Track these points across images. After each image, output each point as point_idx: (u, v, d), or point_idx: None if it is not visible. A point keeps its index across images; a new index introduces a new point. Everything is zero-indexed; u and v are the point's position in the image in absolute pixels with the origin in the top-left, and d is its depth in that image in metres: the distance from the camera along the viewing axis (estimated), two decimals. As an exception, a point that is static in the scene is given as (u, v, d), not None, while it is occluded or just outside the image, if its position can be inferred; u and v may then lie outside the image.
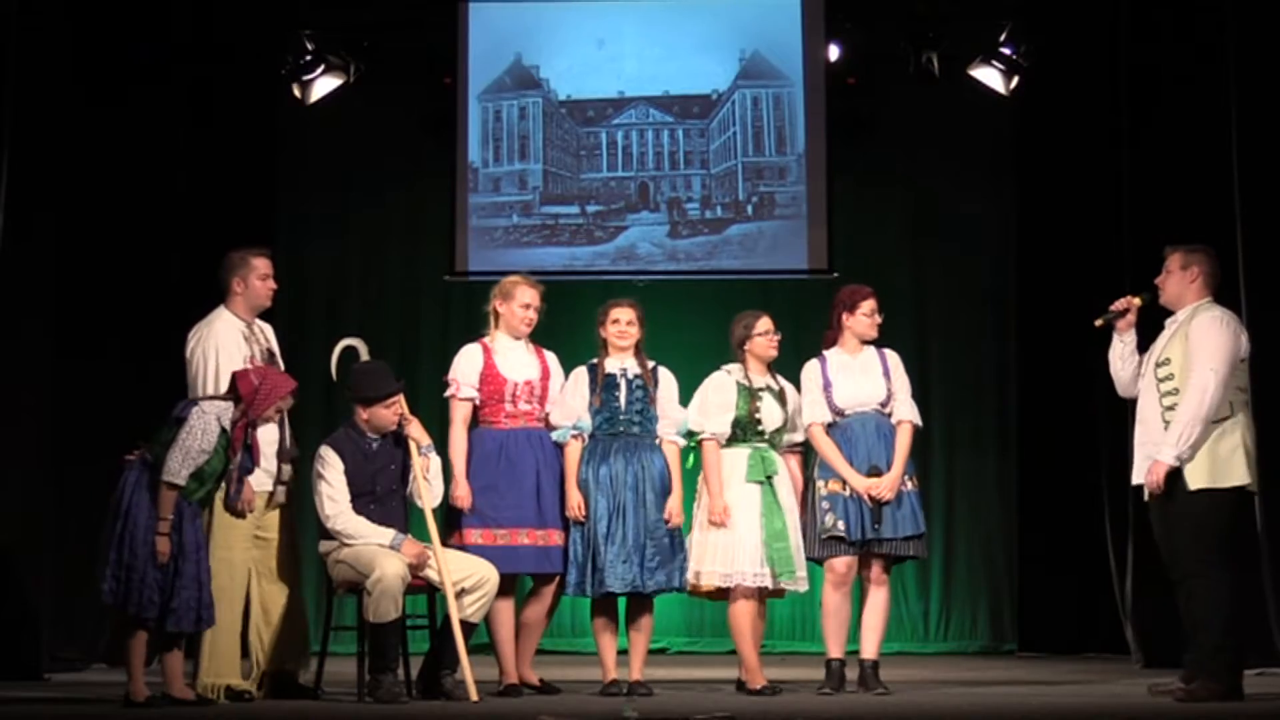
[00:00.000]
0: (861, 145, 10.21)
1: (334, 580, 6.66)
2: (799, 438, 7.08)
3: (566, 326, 7.84)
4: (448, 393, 6.97)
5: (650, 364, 7.02)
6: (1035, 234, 10.13)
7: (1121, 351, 6.75)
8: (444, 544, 6.67)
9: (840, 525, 6.76)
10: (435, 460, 6.72)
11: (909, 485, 6.85)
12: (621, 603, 6.88)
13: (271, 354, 6.76)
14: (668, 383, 7.04)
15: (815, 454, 6.98)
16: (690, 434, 7.01)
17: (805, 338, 7.83)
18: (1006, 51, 9.84)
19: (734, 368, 7.06)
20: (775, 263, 10.01)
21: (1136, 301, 6.74)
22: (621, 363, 6.99)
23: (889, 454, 6.84)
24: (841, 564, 6.81)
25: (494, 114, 10.12)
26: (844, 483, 6.81)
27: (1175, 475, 6.40)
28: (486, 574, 6.60)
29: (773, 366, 7.12)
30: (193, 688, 6.35)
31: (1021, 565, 10.12)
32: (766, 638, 7.75)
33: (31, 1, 7.90)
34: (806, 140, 9.99)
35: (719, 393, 6.99)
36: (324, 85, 10.02)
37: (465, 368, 6.94)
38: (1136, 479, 6.63)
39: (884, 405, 6.93)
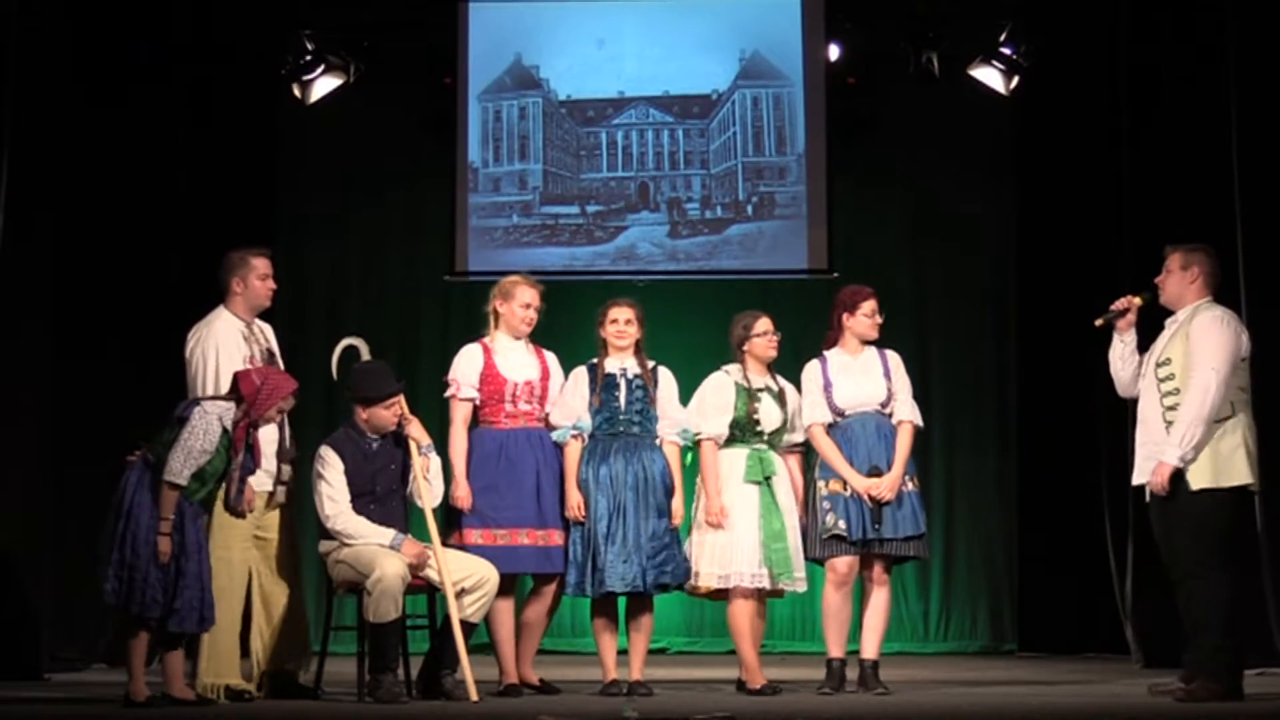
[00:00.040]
0: (861, 145, 10.20)
1: (334, 580, 6.66)
2: (799, 438, 7.07)
3: (566, 326, 7.84)
4: (448, 393, 6.97)
5: (650, 364, 7.02)
6: (1035, 234, 10.13)
7: (1122, 351, 6.75)
8: (444, 544, 6.67)
9: (841, 524, 6.77)
10: (435, 460, 6.72)
11: (910, 486, 6.85)
12: (621, 603, 6.88)
13: (271, 354, 6.76)
14: (668, 383, 7.04)
15: (816, 454, 6.98)
16: (689, 434, 7.01)
17: (805, 338, 7.83)
18: (1006, 51, 9.84)
19: (733, 368, 7.06)
20: (775, 263, 10.01)
21: (1137, 301, 6.74)
22: (621, 363, 6.99)
23: (889, 454, 6.84)
24: (843, 564, 6.81)
25: (494, 114, 10.12)
26: (844, 483, 6.81)
27: (1177, 475, 6.39)
28: (486, 574, 6.60)
29: (773, 367, 7.12)
30: (192, 688, 6.35)
31: (1021, 565, 10.12)
32: (766, 638, 7.75)
33: (31, 1, 7.91)
34: (806, 140, 9.99)
35: (717, 393, 7.00)
36: (324, 85, 10.01)
37: (465, 368, 6.94)
38: (1137, 479, 6.63)
39: (884, 406, 6.93)
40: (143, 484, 6.14)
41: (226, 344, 6.60)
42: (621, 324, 6.99)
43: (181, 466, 6.09)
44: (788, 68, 10.04)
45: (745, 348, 7.06)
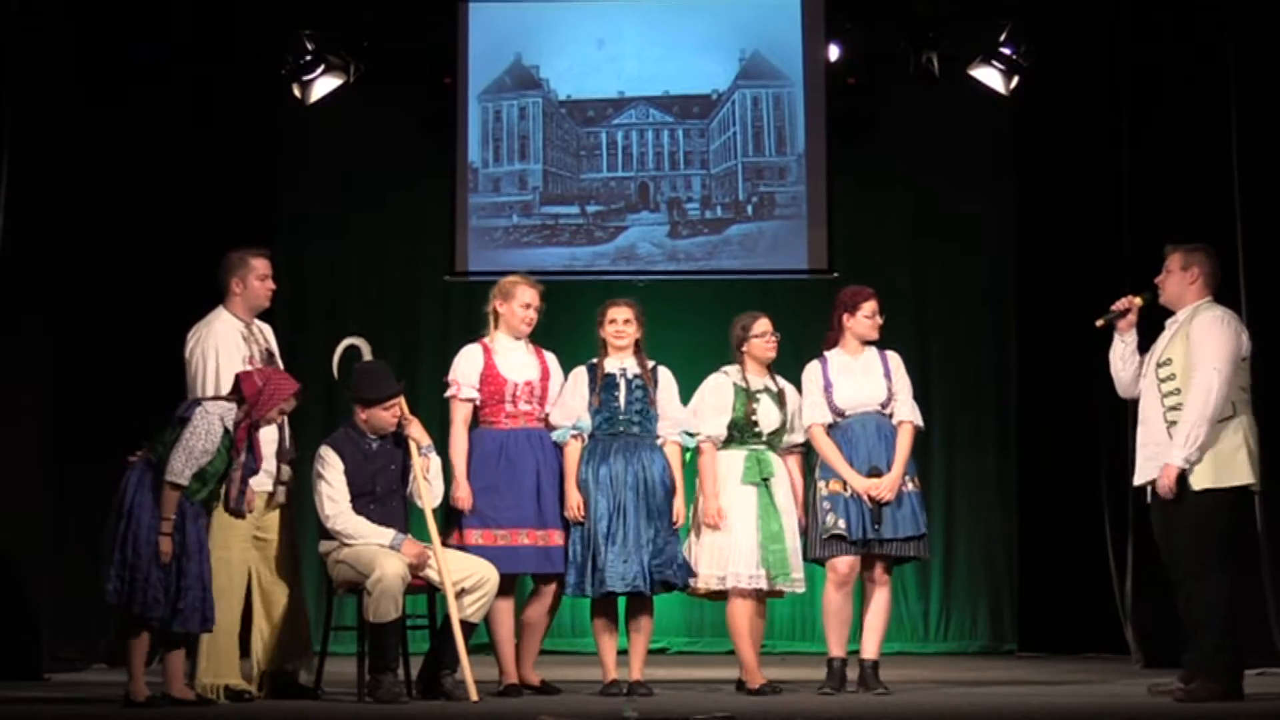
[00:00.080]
0: (861, 145, 10.20)
1: (334, 580, 6.66)
2: (799, 439, 7.07)
3: (566, 327, 7.84)
4: (448, 393, 6.97)
5: (650, 363, 7.02)
6: (1035, 234, 10.12)
7: (1123, 352, 6.74)
8: (444, 544, 6.67)
9: (841, 524, 6.76)
10: (435, 460, 6.72)
11: (910, 486, 6.85)
12: (621, 603, 6.88)
13: (271, 354, 6.76)
14: (667, 382, 7.03)
15: (816, 455, 6.98)
16: (690, 435, 7.01)
17: (805, 338, 7.83)
18: (1006, 51, 9.83)
19: (731, 369, 7.07)
20: (775, 263, 10.01)
21: (1137, 301, 6.74)
22: (621, 362, 6.99)
23: (889, 455, 6.84)
24: (843, 564, 6.81)
25: (494, 114, 10.12)
26: (845, 483, 6.81)
27: (1179, 476, 6.39)
28: (486, 574, 6.60)
29: (772, 367, 7.12)
30: (192, 688, 6.35)
31: (1021, 565, 10.11)
32: (766, 638, 7.75)
33: (31, 1, 7.91)
34: (806, 140, 9.99)
35: (715, 395, 7.00)
36: (324, 85, 10.01)
37: (466, 368, 6.94)
38: (1138, 480, 6.63)
39: (885, 406, 6.93)
40: (144, 484, 6.14)
41: (226, 344, 6.60)
42: (620, 324, 6.99)
43: (183, 466, 6.09)
44: (788, 68, 10.04)
45: (744, 349, 7.07)
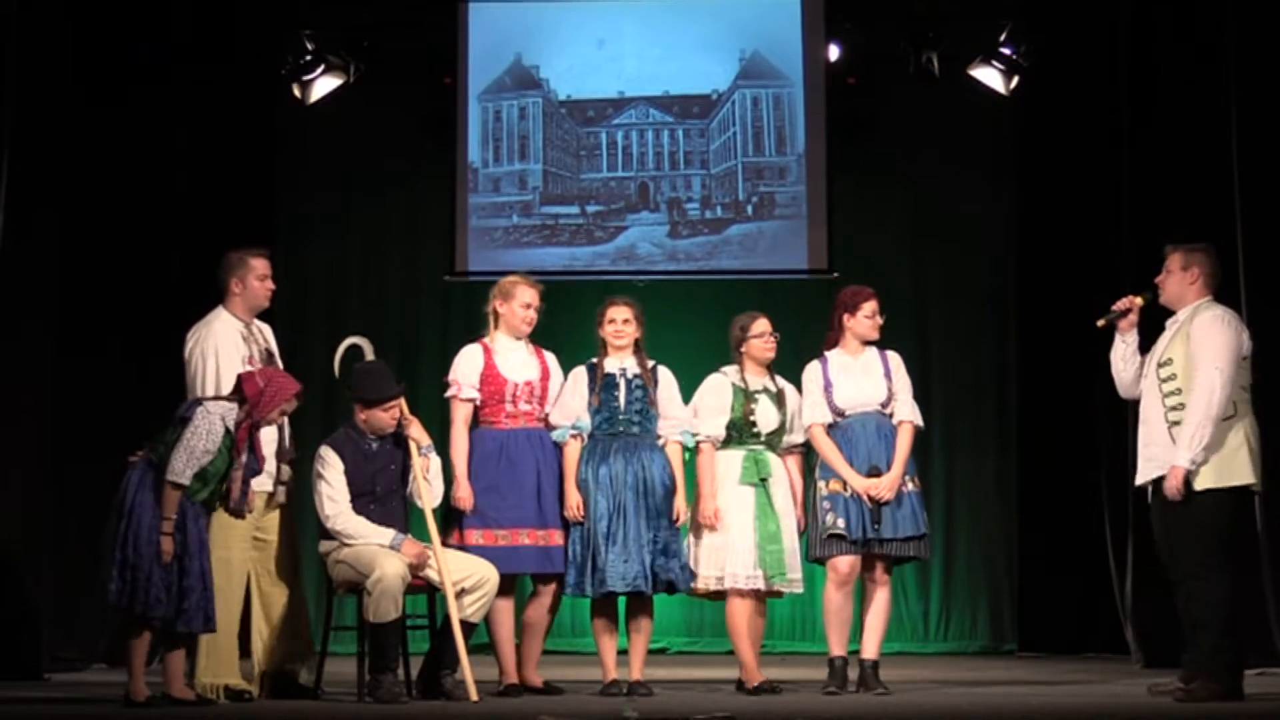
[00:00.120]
0: (861, 145, 10.20)
1: (334, 580, 6.66)
2: (798, 439, 7.07)
3: (566, 327, 7.84)
4: (448, 393, 6.96)
5: (650, 363, 7.02)
6: (1035, 234, 10.12)
7: (1124, 352, 6.74)
8: (444, 544, 6.67)
9: (840, 523, 6.76)
10: (435, 460, 6.72)
11: (910, 486, 6.85)
12: (621, 603, 6.88)
13: (270, 354, 6.76)
14: (668, 382, 7.03)
15: (816, 455, 6.98)
16: (692, 434, 7.01)
17: (805, 338, 7.83)
18: (1006, 51, 9.83)
19: (730, 370, 7.07)
20: (775, 263, 10.01)
21: (1139, 301, 6.74)
22: (621, 362, 6.98)
23: (889, 454, 6.84)
24: (844, 563, 6.80)
25: (494, 114, 10.12)
26: (844, 483, 6.81)
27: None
28: (486, 574, 6.60)
29: (772, 367, 7.12)
30: (192, 688, 6.35)
31: (1021, 565, 10.11)
32: (766, 637, 7.75)
33: (31, 1, 7.91)
34: (806, 140, 9.99)
35: (713, 395, 7.00)
36: (324, 85, 10.01)
37: (466, 368, 6.94)
38: (1140, 480, 6.63)
39: (885, 406, 6.93)
40: (144, 484, 6.14)
41: (225, 344, 6.60)
42: (619, 323, 6.99)
43: (184, 466, 6.09)
44: (788, 68, 10.04)
45: (742, 349, 7.07)
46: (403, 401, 6.70)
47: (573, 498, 6.81)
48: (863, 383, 6.94)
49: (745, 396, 6.97)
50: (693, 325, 9.42)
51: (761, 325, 7.06)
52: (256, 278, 6.74)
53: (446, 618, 6.51)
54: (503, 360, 6.94)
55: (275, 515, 6.67)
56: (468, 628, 6.53)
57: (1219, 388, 6.32)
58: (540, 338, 7.12)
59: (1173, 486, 6.34)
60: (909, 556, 6.93)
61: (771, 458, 6.99)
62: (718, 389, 7.01)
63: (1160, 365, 6.54)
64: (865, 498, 6.77)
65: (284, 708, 6.42)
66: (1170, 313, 6.64)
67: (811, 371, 7.01)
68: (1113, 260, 9.05)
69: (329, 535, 6.60)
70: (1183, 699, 6.29)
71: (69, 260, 8.28)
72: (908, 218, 10.46)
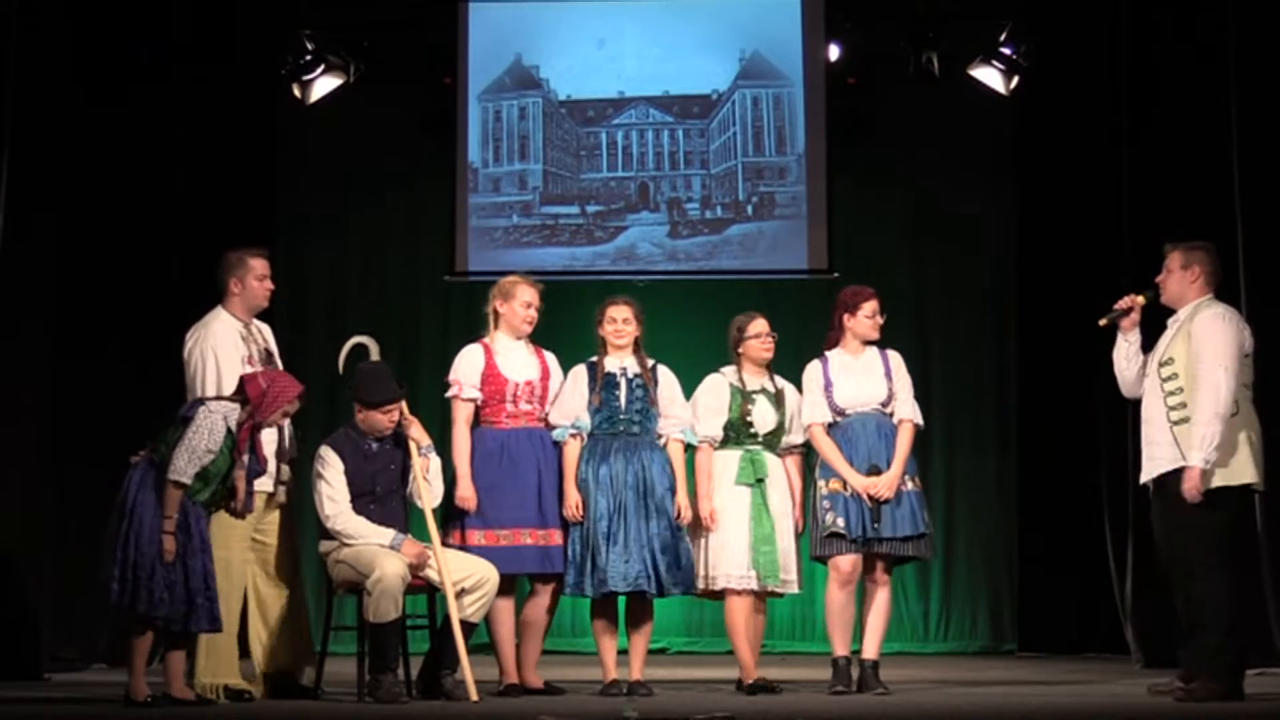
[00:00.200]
0: (861, 145, 10.20)
1: (334, 580, 6.66)
2: (798, 439, 7.07)
3: (567, 326, 7.84)
4: (450, 393, 6.96)
5: (650, 362, 7.02)
6: (1035, 234, 10.12)
7: (1126, 351, 6.74)
8: (445, 544, 6.67)
9: (840, 522, 6.76)
10: (435, 460, 6.72)
11: (910, 485, 6.85)
12: (621, 603, 6.88)
13: (269, 354, 6.76)
14: (668, 381, 7.03)
15: (816, 454, 6.98)
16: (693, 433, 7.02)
17: (805, 338, 7.83)
18: (1006, 51, 9.83)
19: (728, 370, 7.07)
20: (775, 263, 10.00)
21: (1140, 300, 6.73)
22: (621, 361, 6.98)
23: (889, 453, 6.84)
24: (846, 562, 6.80)
25: (494, 114, 10.12)
26: (844, 482, 6.81)
27: (1180, 476, 6.37)
28: (486, 574, 6.60)
29: (772, 368, 7.12)
30: (192, 688, 6.35)
31: (1021, 565, 10.11)
32: (766, 637, 7.74)
33: (31, 1, 7.91)
34: (806, 140, 9.99)
35: (711, 395, 7.01)
36: (324, 85, 10.01)
37: (467, 368, 6.94)
38: (1144, 478, 6.62)
39: (885, 405, 6.93)
40: (145, 483, 6.14)
41: (225, 344, 6.60)
42: (620, 323, 6.99)
43: (186, 465, 6.09)
44: (788, 68, 10.03)
45: (740, 349, 7.07)
46: (403, 402, 6.70)
47: (572, 497, 6.81)
48: (863, 382, 6.94)
49: (743, 397, 6.97)
50: (693, 325, 9.41)
51: (759, 325, 7.06)
52: (255, 278, 6.74)
53: (446, 618, 6.51)
54: (503, 360, 6.94)
55: (275, 515, 6.67)
56: (468, 628, 6.53)
57: (1224, 385, 6.31)
58: (540, 338, 7.13)
59: (1191, 488, 6.31)
60: (909, 556, 6.93)
61: (769, 458, 6.99)
62: (715, 389, 7.01)
63: (1161, 364, 6.54)
64: (865, 497, 6.77)
65: (284, 708, 6.42)
66: (1171, 312, 6.64)
67: (812, 371, 7.01)
68: (1113, 260, 9.05)
69: (329, 535, 6.60)
70: (1183, 699, 6.30)
71: (69, 260, 8.28)
72: (908, 218, 10.46)
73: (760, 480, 6.91)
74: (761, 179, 10.05)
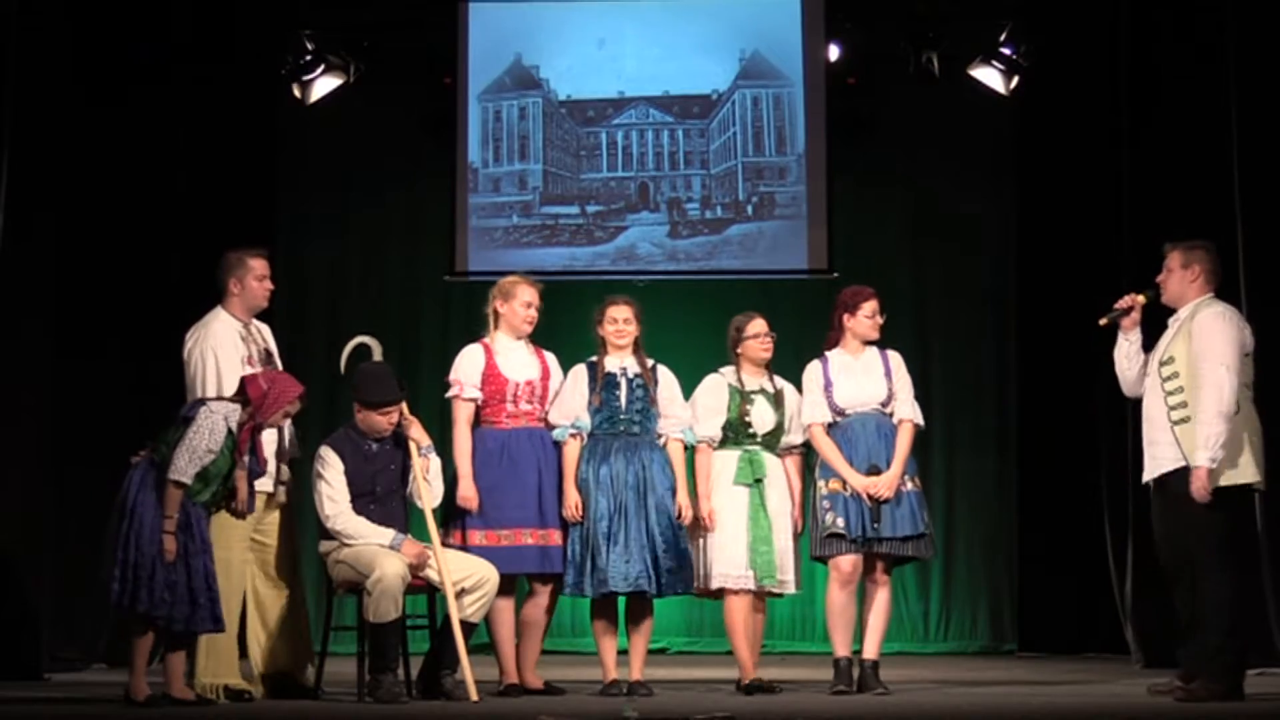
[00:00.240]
0: (861, 145, 10.20)
1: (334, 580, 6.66)
2: (797, 439, 7.07)
3: (567, 327, 7.83)
4: (450, 393, 6.96)
5: (650, 362, 7.02)
6: (1035, 234, 10.12)
7: (1127, 350, 6.74)
8: (447, 544, 6.67)
9: (839, 522, 6.76)
10: (435, 461, 6.72)
11: (909, 485, 6.85)
12: (621, 603, 6.88)
13: (269, 354, 6.77)
14: (668, 381, 7.03)
15: (816, 454, 6.98)
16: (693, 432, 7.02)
17: (805, 338, 7.83)
18: (1006, 51, 9.83)
19: (727, 370, 7.07)
20: (775, 263, 10.00)
21: (1140, 299, 6.73)
22: (621, 361, 6.98)
23: (889, 453, 6.84)
24: (846, 562, 6.80)
25: (494, 114, 10.12)
26: (844, 482, 6.81)
27: (1182, 475, 6.38)
28: (486, 574, 6.60)
29: (771, 368, 7.12)
30: (192, 688, 6.35)
31: (1021, 565, 10.11)
32: (766, 637, 7.75)
33: (31, 1, 7.91)
34: (806, 140, 9.99)
35: (709, 396, 7.01)
36: (324, 85, 10.01)
37: (468, 368, 6.94)
38: (1146, 477, 6.62)
39: (885, 405, 6.93)
40: (146, 483, 6.14)
41: (225, 345, 6.60)
42: (621, 323, 6.98)
43: (186, 464, 6.09)
44: (788, 68, 10.03)
45: (738, 350, 7.07)
46: (403, 403, 6.69)
47: (571, 497, 6.81)
48: (863, 382, 6.94)
49: (741, 397, 6.97)
50: (693, 325, 9.41)
51: (757, 325, 7.06)
52: (255, 278, 6.74)
53: (446, 618, 6.51)
54: (504, 360, 6.94)
55: (275, 518, 6.67)
56: (468, 628, 6.53)
57: (1227, 384, 6.31)
58: (540, 338, 7.13)
59: (1199, 489, 6.30)
60: (909, 556, 6.93)
61: (767, 458, 6.99)
62: (714, 390, 7.01)
63: (1162, 364, 6.53)
64: (865, 497, 6.77)
65: (284, 708, 6.42)
66: (1172, 311, 6.64)
67: (812, 371, 7.01)
68: (1113, 260, 9.05)
69: (329, 535, 6.60)
70: (1183, 699, 6.30)
71: (69, 260, 8.28)
72: (908, 218, 10.46)
73: (758, 480, 6.91)
74: (761, 179, 10.05)
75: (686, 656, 9.68)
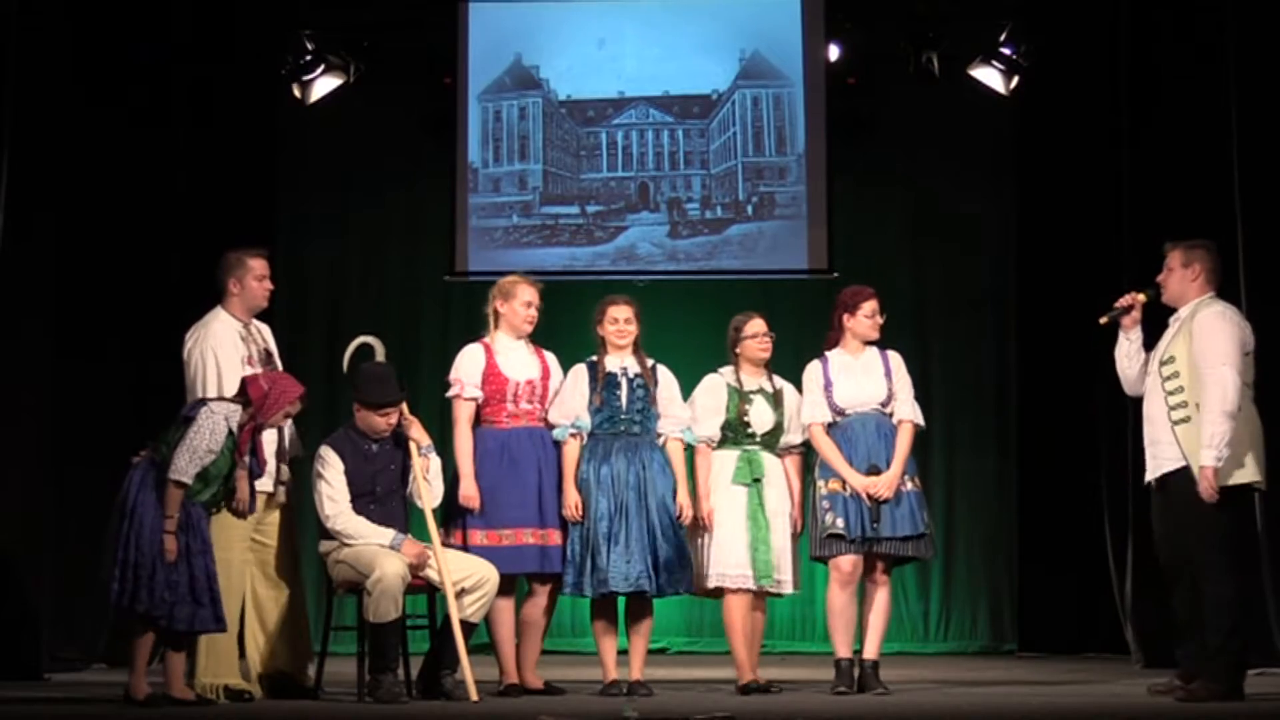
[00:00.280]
0: (861, 145, 10.20)
1: (334, 580, 6.66)
2: (797, 439, 7.07)
3: (567, 327, 7.83)
4: (451, 393, 6.96)
5: (650, 362, 7.02)
6: (1035, 234, 10.12)
7: (1128, 349, 6.74)
8: (448, 544, 6.67)
9: (839, 523, 6.76)
10: (435, 461, 6.72)
11: (909, 485, 6.85)
12: (621, 603, 6.88)
13: (269, 354, 6.77)
14: (668, 381, 7.03)
15: (816, 454, 6.98)
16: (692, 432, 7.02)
17: (805, 338, 7.83)
18: (1006, 51, 9.83)
19: (726, 370, 7.07)
20: (775, 263, 10.00)
21: (1141, 298, 6.73)
22: (621, 361, 6.98)
23: (889, 453, 6.84)
24: (846, 562, 6.80)
25: (494, 114, 10.12)
26: (843, 482, 6.81)
27: (1186, 475, 6.37)
28: (486, 574, 6.60)
29: (771, 367, 7.12)
30: (192, 688, 6.35)
31: (1021, 565, 10.11)
32: (766, 637, 7.75)
33: (31, 1, 7.91)
34: (806, 140, 9.99)
35: (708, 396, 7.01)
36: (324, 85, 10.01)
37: (468, 367, 6.94)
38: (1149, 477, 6.61)
39: (885, 405, 6.93)
40: (146, 483, 6.14)
41: (225, 345, 6.60)
42: (622, 323, 6.98)
43: (187, 464, 6.09)
44: (788, 68, 10.03)
45: (737, 349, 7.07)
46: (403, 406, 6.69)
47: (571, 497, 6.81)
48: (863, 382, 6.94)
49: (740, 397, 6.97)
50: (693, 325, 9.41)
51: (756, 325, 7.05)
52: (254, 278, 6.74)
53: (446, 618, 6.51)
54: (504, 360, 6.94)
55: (275, 518, 6.67)
56: (468, 628, 6.53)
57: (1230, 383, 6.30)
58: (540, 338, 7.13)
59: (1207, 488, 6.30)
60: (909, 556, 6.93)
61: (766, 458, 6.98)
62: (712, 390, 7.02)
63: (1163, 364, 6.53)
64: (864, 496, 6.77)
65: (284, 708, 6.42)
66: (1173, 311, 6.64)
67: (812, 371, 7.01)
68: (1113, 260, 9.05)
69: (329, 535, 6.60)
70: (1183, 699, 6.30)
71: (69, 260, 8.28)
72: (908, 218, 10.46)
73: (757, 480, 6.91)
74: (761, 179, 10.05)
75: (686, 656, 9.68)
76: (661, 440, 6.96)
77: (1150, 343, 6.71)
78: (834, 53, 10.04)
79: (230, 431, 6.18)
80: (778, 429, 7.02)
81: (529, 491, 6.82)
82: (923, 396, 7.38)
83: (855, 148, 10.15)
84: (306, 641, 6.79)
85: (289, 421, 6.54)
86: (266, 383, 6.31)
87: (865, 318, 7.00)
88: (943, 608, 10.24)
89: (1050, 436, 9.92)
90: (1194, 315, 6.49)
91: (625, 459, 6.84)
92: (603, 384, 6.91)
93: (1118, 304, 6.76)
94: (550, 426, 6.93)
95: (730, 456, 6.95)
